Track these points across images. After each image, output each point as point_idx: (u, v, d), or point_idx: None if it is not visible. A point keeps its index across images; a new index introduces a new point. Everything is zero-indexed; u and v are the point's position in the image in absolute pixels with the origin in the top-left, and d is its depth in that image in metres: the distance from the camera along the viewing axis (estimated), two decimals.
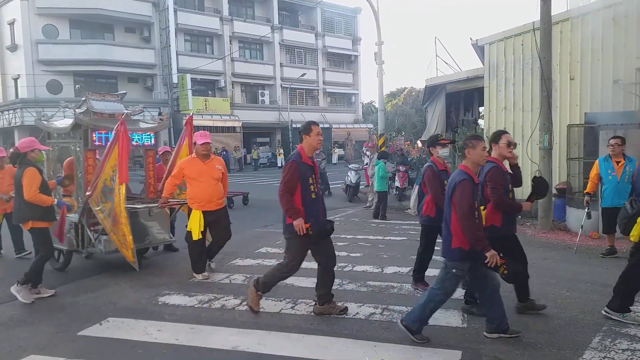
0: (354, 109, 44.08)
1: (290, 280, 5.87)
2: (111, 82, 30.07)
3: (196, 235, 6.04)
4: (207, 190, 6.08)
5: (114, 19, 29.81)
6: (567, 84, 9.92)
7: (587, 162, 9.06)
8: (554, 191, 9.56)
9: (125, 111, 6.98)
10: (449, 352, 3.87)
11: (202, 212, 6.07)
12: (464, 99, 13.71)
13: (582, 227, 8.72)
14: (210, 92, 33.81)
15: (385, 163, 13.20)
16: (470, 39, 11.42)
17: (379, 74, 13.73)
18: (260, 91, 36.53)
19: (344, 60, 43.35)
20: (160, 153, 8.04)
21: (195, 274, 6.25)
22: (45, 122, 7.01)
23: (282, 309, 5.01)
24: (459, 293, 5.31)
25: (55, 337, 4.43)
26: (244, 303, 5.20)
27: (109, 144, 6.33)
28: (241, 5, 36.25)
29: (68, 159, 7.01)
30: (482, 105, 11.96)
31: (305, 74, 36.59)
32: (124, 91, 8.79)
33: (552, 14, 9.27)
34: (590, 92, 9.65)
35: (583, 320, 4.49)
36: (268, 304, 5.14)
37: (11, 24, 29.02)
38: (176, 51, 31.19)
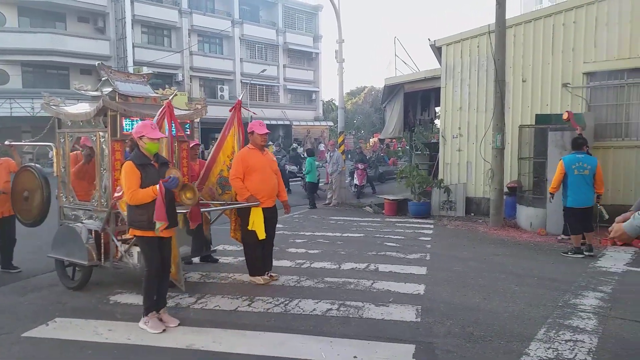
0: (314, 107, 44.09)
1: (247, 277, 5.85)
2: (63, 73, 28.84)
3: (262, 234, 5.56)
4: (268, 184, 5.69)
5: (66, 8, 28.56)
6: (520, 86, 10.28)
7: (537, 161, 9.43)
8: (505, 189, 9.90)
9: (152, 94, 5.96)
10: (402, 346, 3.94)
11: (262, 208, 5.61)
12: (421, 98, 13.93)
13: (531, 224, 9.10)
14: (167, 86, 32.95)
15: (314, 159, 13.78)
16: (429, 39, 11.61)
17: (339, 72, 13.79)
18: (219, 86, 35.96)
19: (305, 58, 43.28)
20: (190, 146, 6.68)
21: (254, 278, 5.74)
22: (54, 107, 5.81)
23: (238, 306, 4.96)
24: (412, 288, 5.44)
25: None
26: (200, 301, 5.12)
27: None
28: None
29: (72, 153, 5.97)
30: (439, 105, 12.22)
31: (265, 70, 36.28)
32: (151, 71, 7.88)
33: (506, 17, 9.58)
34: (541, 95, 10.04)
35: (530, 313, 4.67)
36: (224, 302, 5.09)
37: None
38: (132, 43, 30.23)
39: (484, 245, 8.02)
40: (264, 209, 5.63)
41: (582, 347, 3.88)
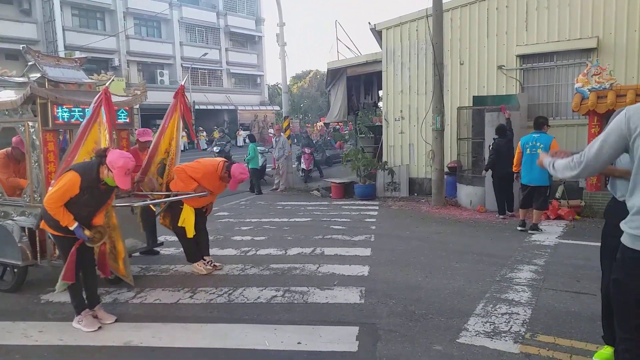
0: (259, 91, 43.54)
1: (189, 269, 5.70)
2: None
3: (191, 233, 5.49)
4: (216, 191, 5.64)
5: None
6: (458, 69, 10.53)
7: (475, 141, 9.73)
8: (446, 169, 10.17)
9: (87, 80, 5.56)
10: (346, 328, 3.96)
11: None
12: (364, 82, 14.02)
13: (470, 202, 9.41)
14: (102, 72, 31.44)
15: (257, 145, 13.75)
16: (369, 23, 11.65)
17: (281, 55, 13.60)
18: (159, 71, 34.71)
19: (248, 41, 42.50)
20: (142, 140, 6.60)
21: (195, 268, 5.64)
22: None
23: (179, 299, 4.81)
24: (356, 270, 5.49)
25: None
26: (139, 295, 4.94)
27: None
28: None
29: (1, 152, 5.57)
30: (381, 89, 12.34)
31: (207, 53, 35.35)
32: (85, 55, 7.18)
33: (443, 1, 9.73)
34: (478, 77, 10.33)
35: (469, 289, 4.83)
36: (165, 295, 4.93)
37: None
38: (62, 26, 28.55)
39: (427, 224, 8.22)
40: (195, 209, 5.55)
41: (517, 319, 4.04)
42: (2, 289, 5.24)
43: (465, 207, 9.53)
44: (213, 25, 38.59)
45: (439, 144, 9.80)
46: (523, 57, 9.90)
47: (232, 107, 38.77)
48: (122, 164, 3.90)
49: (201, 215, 5.76)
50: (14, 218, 5.19)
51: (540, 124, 7.45)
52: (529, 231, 7.31)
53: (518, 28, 9.84)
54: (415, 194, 11.18)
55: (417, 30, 10.94)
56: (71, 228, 3.96)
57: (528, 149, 7.34)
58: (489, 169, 8.46)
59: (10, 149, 5.70)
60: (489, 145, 8.55)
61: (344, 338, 3.78)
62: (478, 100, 9.83)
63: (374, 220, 8.67)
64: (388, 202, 10.55)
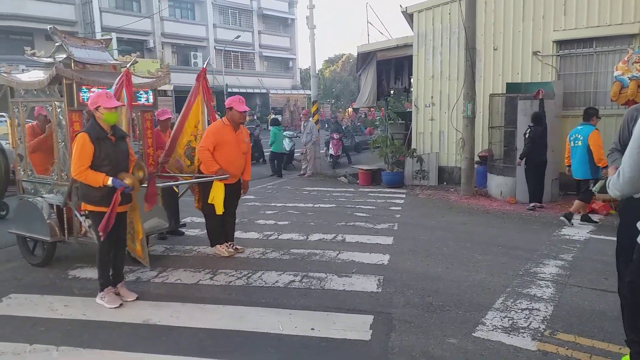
0: (292, 75, 43.47)
1: (211, 250, 5.78)
2: (27, 39, 27.58)
3: (220, 209, 5.45)
4: (234, 164, 5.52)
5: None
6: (491, 54, 10.20)
7: (507, 130, 9.46)
8: (476, 158, 9.95)
9: (112, 61, 5.64)
10: (361, 317, 3.94)
11: (225, 184, 5.49)
12: (394, 66, 13.77)
13: (501, 193, 9.19)
14: (138, 53, 31.96)
15: (280, 128, 13.98)
16: (400, 6, 11.39)
17: (310, 39, 13.48)
18: (192, 53, 35.01)
19: (281, 24, 42.36)
20: (162, 119, 6.68)
21: (217, 250, 5.71)
22: (5, 75, 5.46)
23: (200, 280, 4.90)
24: (376, 259, 5.45)
25: None
26: (161, 275, 5.04)
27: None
28: None
29: (27, 126, 5.68)
30: (412, 74, 12.10)
31: (239, 36, 35.41)
32: (109, 36, 7.40)
33: None
34: (512, 63, 9.99)
35: (490, 282, 4.72)
36: (186, 276, 5.02)
37: None
38: (99, 7, 29.08)
39: (453, 214, 8.08)
40: (225, 185, 5.51)
41: (537, 315, 3.93)
42: (32, 263, 5.47)
43: (495, 198, 9.32)
44: (246, 8, 38.58)
45: (470, 131, 9.58)
46: (560, 43, 9.50)
47: (264, 91, 38.88)
48: (95, 95, 4.16)
49: (233, 197, 5.73)
50: (43, 195, 5.36)
51: (589, 115, 7.28)
52: (561, 217, 7.21)
53: (556, 12, 9.43)
54: (445, 183, 10.99)
55: (449, 13, 10.63)
56: (107, 183, 4.04)
57: (572, 142, 7.28)
58: (524, 158, 8.27)
59: (34, 122, 5.86)
60: (524, 134, 8.31)
61: (358, 326, 3.77)
62: (511, 87, 9.52)
63: (399, 208, 8.58)
64: (416, 191, 10.41)
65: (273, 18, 41.07)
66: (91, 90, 5.03)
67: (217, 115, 6.06)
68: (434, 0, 10.81)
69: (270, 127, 14.79)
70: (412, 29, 11.43)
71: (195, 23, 35.47)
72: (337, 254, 5.67)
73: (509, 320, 3.85)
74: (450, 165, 11.06)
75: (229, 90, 34.08)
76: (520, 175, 8.65)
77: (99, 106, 4.09)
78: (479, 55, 9.94)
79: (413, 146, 11.41)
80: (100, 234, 4.15)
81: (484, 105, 10.13)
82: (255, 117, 24.62)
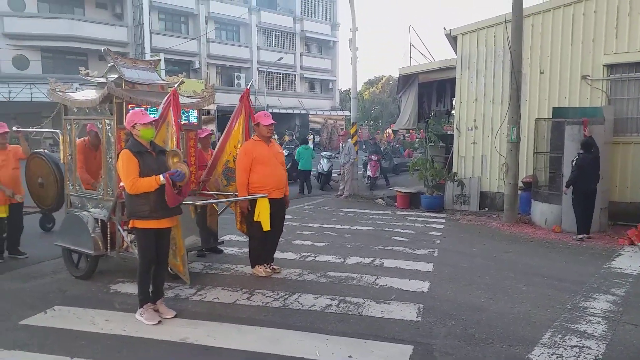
0: (331, 96, 43.84)
1: (249, 270, 5.79)
2: (81, 59, 29.08)
3: (267, 226, 5.43)
4: (275, 176, 5.55)
5: None
6: (537, 78, 9.96)
7: (553, 156, 9.16)
8: (520, 184, 9.66)
9: (160, 81, 5.84)
10: (400, 346, 3.82)
11: (269, 199, 5.47)
12: (436, 89, 13.65)
13: (545, 221, 8.86)
14: (185, 73, 33.03)
15: (307, 147, 14.32)
16: (444, 28, 11.33)
17: (352, 61, 13.58)
18: (236, 74, 35.92)
19: (323, 46, 42.95)
20: (203, 136, 6.71)
21: (256, 270, 5.68)
22: (60, 94, 5.71)
23: (237, 299, 4.89)
24: (416, 286, 5.31)
25: None
26: (199, 293, 5.07)
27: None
28: None
29: (78, 142, 5.89)
30: (454, 97, 11.95)
31: (282, 58, 36.12)
32: (158, 57, 7.69)
33: (523, 6, 9.26)
34: (559, 87, 9.72)
35: (536, 315, 4.51)
36: (224, 295, 5.03)
37: None
38: (150, 30, 30.34)
39: (496, 242, 7.83)
40: (270, 201, 5.49)
41: (589, 353, 3.71)
42: (76, 276, 5.61)
43: (539, 226, 8.98)
44: (289, 30, 39.36)
45: (514, 156, 9.32)
46: (611, 67, 9.19)
47: (303, 112, 39.32)
48: (131, 113, 4.37)
49: (278, 216, 5.72)
50: (89, 209, 5.53)
51: None
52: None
53: (607, 35, 9.15)
54: (486, 209, 10.70)
55: (494, 36, 10.49)
56: (161, 180, 4.12)
57: None
58: (570, 186, 7.96)
59: (86, 138, 6.08)
60: (572, 161, 8.02)
61: (397, 356, 3.65)
62: (558, 112, 9.23)
63: (439, 233, 8.39)
64: (456, 216, 10.17)
65: (315, 40, 41.72)
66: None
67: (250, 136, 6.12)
68: (479, 22, 10.70)
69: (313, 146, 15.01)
70: (456, 52, 11.34)
71: (239, 45, 36.45)
72: (375, 279, 5.56)
73: (557, 357, 3.65)
74: (493, 190, 10.77)
75: (270, 110, 34.66)
76: (566, 204, 8.33)
77: (136, 124, 4.22)
78: (524, 78, 9.73)
79: (454, 170, 11.20)
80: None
81: (529, 129, 9.87)
82: (294, 137, 24.82)
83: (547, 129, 9.40)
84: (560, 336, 4.03)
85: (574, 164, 7.94)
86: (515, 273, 5.94)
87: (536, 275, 5.87)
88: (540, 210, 9.14)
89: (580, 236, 7.83)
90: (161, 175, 4.13)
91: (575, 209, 8.05)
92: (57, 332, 4.11)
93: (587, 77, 9.37)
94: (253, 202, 5.54)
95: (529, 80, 9.99)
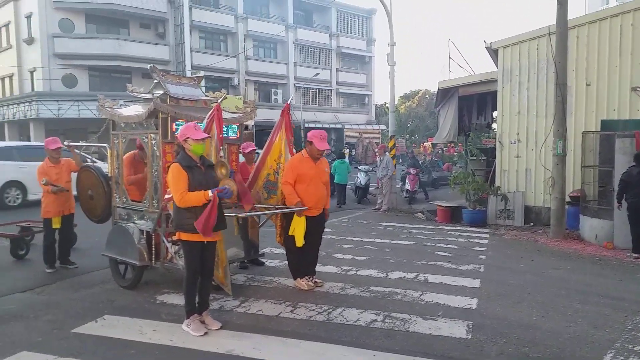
0: (367, 110, 43.84)
1: (291, 282, 5.77)
2: (125, 77, 30.15)
3: (300, 242, 5.46)
4: (316, 195, 5.54)
5: (129, 15, 29.95)
6: (583, 90, 9.66)
7: (602, 170, 8.82)
8: (568, 199, 9.33)
9: (203, 97, 5.98)
10: None
11: (306, 217, 5.48)
12: (477, 102, 13.45)
13: (596, 237, 8.50)
14: (223, 90, 33.78)
15: (343, 162, 14.36)
16: (484, 41, 11.18)
17: (390, 75, 13.55)
18: (273, 90, 36.46)
19: (358, 61, 43.12)
20: (247, 151, 6.89)
21: (297, 283, 5.70)
22: (109, 109, 5.93)
23: (281, 312, 4.87)
24: (463, 302, 5.16)
25: (49, 333, 4.35)
26: (243, 305, 5.09)
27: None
28: (256, 4, 36.19)
29: (127, 156, 6.14)
30: (496, 110, 11.73)
31: (318, 73, 36.43)
32: (201, 73, 7.96)
33: (568, 18, 9.04)
34: (607, 99, 9.38)
35: (594, 335, 4.29)
36: (267, 307, 5.02)
37: (28, 17, 29.28)
38: (190, 48, 31.25)
39: (544, 258, 7.55)
40: (307, 218, 5.51)
41: None
42: (122, 285, 5.74)
43: (588, 242, 8.62)
44: (326, 47, 39.75)
45: (560, 170, 9.03)
46: None
47: (339, 126, 39.45)
48: (185, 127, 4.36)
49: (316, 231, 5.71)
50: (135, 221, 5.66)
51: None
52: None
53: None
54: (531, 224, 10.37)
55: (537, 48, 10.26)
56: (209, 196, 4.15)
57: None
58: (620, 201, 7.63)
59: (136, 151, 6.27)
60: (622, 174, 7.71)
61: None
62: (607, 124, 8.90)
63: (483, 249, 8.17)
64: (500, 231, 9.90)
65: (351, 56, 41.93)
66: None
67: (293, 150, 6.16)
68: (520, 35, 10.51)
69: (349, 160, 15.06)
70: (497, 65, 11.15)
71: (277, 62, 37.06)
72: (420, 295, 5.43)
73: None
74: (538, 205, 10.44)
75: (306, 125, 34.95)
76: (618, 219, 7.97)
77: (188, 138, 4.29)
78: (570, 90, 9.45)
79: (497, 184, 10.93)
80: (205, 234, 4.21)
81: (575, 142, 9.55)
82: (331, 152, 24.90)
83: (595, 141, 9.07)
84: (622, 358, 3.82)
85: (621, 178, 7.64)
86: (568, 290, 5.70)
87: (590, 293, 5.61)
88: (590, 226, 8.78)
89: (636, 255, 7.44)
90: (210, 191, 4.18)
91: (632, 226, 7.64)
92: (108, 341, 4.19)
93: (637, 89, 9.01)
94: (290, 216, 5.55)
95: (575, 92, 9.70)
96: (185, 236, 4.33)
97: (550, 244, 8.61)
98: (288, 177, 5.52)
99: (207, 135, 4.51)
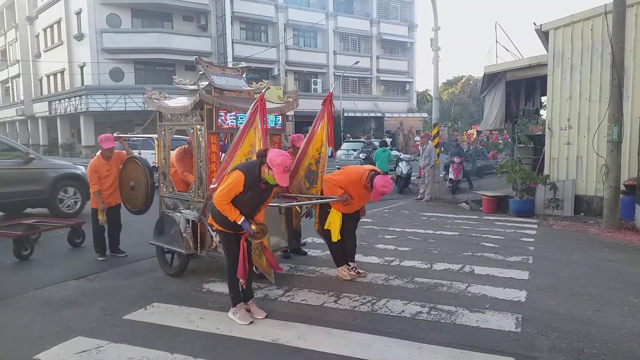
0: (408, 98, 43.15)
1: (334, 272, 5.77)
2: (169, 69, 30.91)
3: (335, 237, 5.54)
4: (358, 205, 5.65)
5: (172, 8, 30.60)
6: None
7: None
8: (622, 187, 8.88)
9: (247, 88, 6.01)
10: (500, 358, 3.60)
11: (343, 213, 5.54)
12: (525, 87, 12.95)
13: None
14: (265, 81, 34.05)
15: (385, 149, 14.33)
16: (534, 24, 10.71)
17: (434, 61, 13.20)
18: (313, 79, 36.45)
19: (399, 48, 42.42)
20: (298, 145, 6.66)
21: (339, 272, 5.70)
22: (156, 101, 6.00)
23: (324, 302, 4.88)
24: (511, 294, 5.01)
25: (102, 319, 4.52)
26: (287, 294, 5.12)
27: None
28: None
29: (178, 150, 6.29)
30: (545, 95, 11.25)
31: (358, 62, 36.10)
32: (244, 64, 8.04)
33: None
34: None
35: None
36: (311, 297, 5.03)
37: (78, 13, 30.43)
38: (232, 39, 31.62)
39: (596, 249, 7.23)
40: (343, 214, 5.53)
41: None
42: (168, 273, 5.90)
43: None
44: (366, 34, 39.30)
45: (615, 157, 8.59)
46: None
47: (379, 115, 39.05)
48: (280, 161, 4.05)
49: (352, 221, 5.75)
50: (181, 211, 5.79)
51: None
52: None
53: None
54: (582, 214, 9.95)
55: (591, 29, 9.74)
56: (239, 222, 4.18)
57: None
58: None
59: (187, 145, 6.39)
60: None
61: None
62: None
63: (531, 240, 7.90)
64: (549, 221, 9.55)
65: (392, 42, 41.30)
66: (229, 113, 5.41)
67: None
68: (573, 16, 10.00)
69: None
70: (546, 48, 10.68)
71: (316, 51, 36.98)
72: (467, 287, 5.31)
73: None
74: (589, 194, 9.99)
75: (346, 114, 34.79)
76: None
77: (273, 167, 4.08)
78: (627, 73, 8.94)
79: (545, 172, 10.53)
80: (242, 281, 4.37)
81: (633, 128, 9.05)
82: (371, 141, 24.66)
83: None
84: None
85: None
86: (624, 284, 5.44)
87: None
88: None
89: None
90: (242, 220, 4.16)
91: None
92: (157, 328, 4.30)
93: None
94: (327, 210, 5.57)
95: (632, 74, 9.16)
96: (217, 226, 4.42)
97: (603, 234, 8.23)
98: (339, 179, 5.54)
99: (286, 184, 4.34)
